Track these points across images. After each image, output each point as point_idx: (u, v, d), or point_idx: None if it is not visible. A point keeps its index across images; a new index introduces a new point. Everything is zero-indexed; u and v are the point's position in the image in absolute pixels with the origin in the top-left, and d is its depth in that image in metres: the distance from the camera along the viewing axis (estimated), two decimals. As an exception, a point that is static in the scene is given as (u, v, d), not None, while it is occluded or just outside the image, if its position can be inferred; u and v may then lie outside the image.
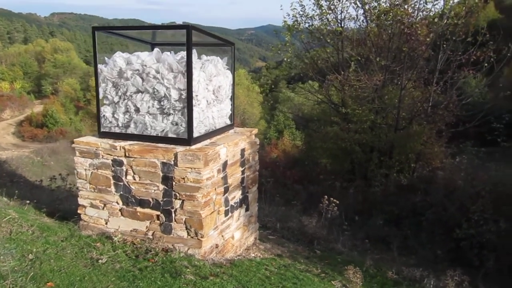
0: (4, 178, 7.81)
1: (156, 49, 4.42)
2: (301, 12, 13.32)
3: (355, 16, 12.75)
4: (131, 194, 4.35)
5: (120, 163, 4.33)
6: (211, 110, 4.67)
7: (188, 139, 4.21)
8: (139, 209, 4.36)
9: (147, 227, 4.38)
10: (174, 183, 4.15)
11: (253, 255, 5.08)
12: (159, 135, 4.37)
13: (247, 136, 5.06)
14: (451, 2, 11.12)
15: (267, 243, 5.77)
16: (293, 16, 13.20)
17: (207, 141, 4.51)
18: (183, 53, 4.34)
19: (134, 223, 4.43)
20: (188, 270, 3.78)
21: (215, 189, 4.36)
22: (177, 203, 4.20)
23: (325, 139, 12.73)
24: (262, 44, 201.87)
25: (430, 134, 11.34)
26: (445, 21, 11.03)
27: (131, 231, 4.45)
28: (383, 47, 12.00)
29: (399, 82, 12.31)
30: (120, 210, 4.45)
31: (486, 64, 11.40)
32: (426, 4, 11.34)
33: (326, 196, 6.61)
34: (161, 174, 4.19)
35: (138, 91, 4.38)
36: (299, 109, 16.94)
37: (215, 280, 3.64)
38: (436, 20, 11.14)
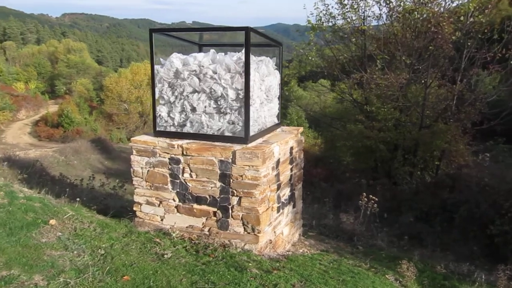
0: (45, 177, 8.00)
1: (212, 50, 4.54)
2: (324, 11, 13.41)
3: (379, 15, 12.83)
4: (188, 191, 4.48)
5: (177, 161, 4.46)
6: (263, 109, 4.78)
7: (245, 138, 4.32)
8: (195, 206, 4.49)
9: (203, 223, 4.51)
10: (231, 180, 4.27)
11: (300, 250, 5.18)
12: (215, 133, 4.49)
13: (294, 135, 5.17)
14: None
15: (309, 239, 5.88)
16: (316, 16, 13.30)
17: (260, 140, 4.62)
18: (238, 54, 4.46)
19: (190, 219, 4.56)
20: (250, 264, 3.90)
21: (269, 186, 4.47)
22: (234, 200, 4.32)
23: (350, 138, 12.80)
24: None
25: (456, 132, 11.35)
26: (471, 19, 11.05)
27: (187, 227, 4.57)
28: (408, 46, 12.02)
29: (423, 81, 12.33)
30: (176, 207, 4.58)
31: (511, 62, 11.38)
32: (452, 3, 11.36)
33: (364, 194, 6.69)
34: (218, 172, 4.31)
35: (194, 91, 4.50)
36: (321, 107, 16.98)
37: (279, 274, 3.75)
38: (462, 18, 11.14)
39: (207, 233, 4.49)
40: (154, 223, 4.72)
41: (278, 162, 4.63)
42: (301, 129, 5.48)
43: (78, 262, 3.52)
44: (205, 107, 4.48)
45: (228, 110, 4.41)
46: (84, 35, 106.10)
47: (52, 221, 4.22)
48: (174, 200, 4.58)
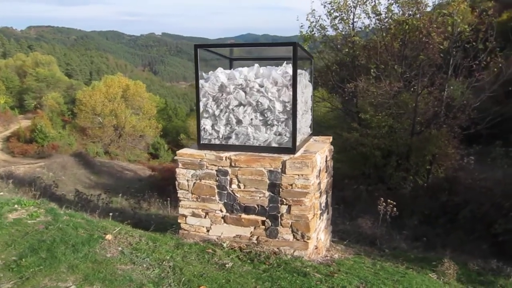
0: (57, 193, 7.92)
1: (256, 65, 4.72)
2: (314, 23, 13.81)
3: (368, 25, 13.31)
4: (236, 201, 4.60)
5: (225, 173, 4.58)
6: (302, 120, 4.97)
7: (292, 148, 4.50)
8: (243, 215, 4.61)
9: (251, 232, 4.63)
10: (281, 189, 4.42)
11: (336, 255, 5.36)
12: (261, 145, 4.64)
13: (328, 144, 5.38)
14: (462, 8, 11.66)
15: (338, 244, 6.07)
16: (309, 27, 13.70)
17: (302, 150, 4.80)
18: (282, 68, 4.66)
19: (238, 229, 4.67)
20: (308, 270, 4.06)
21: (314, 194, 4.65)
22: (283, 208, 4.47)
23: (345, 145, 13.14)
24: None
25: (448, 137, 11.86)
26: (458, 29, 11.64)
27: (234, 237, 4.69)
28: (397, 55, 12.52)
29: (412, 89, 12.85)
30: (223, 217, 4.70)
31: (495, 70, 12.03)
32: (440, 15, 11.88)
33: (382, 199, 6.96)
34: (267, 182, 4.46)
35: (240, 104, 4.65)
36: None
37: (340, 277, 3.93)
38: (449, 28, 11.72)
39: (255, 241, 4.61)
40: (199, 234, 4.81)
41: (319, 170, 4.83)
42: (330, 138, 5.70)
43: (151, 275, 3.60)
44: (251, 119, 4.63)
45: (275, 122, 4.58)
46: (51, 48, 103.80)
47: (108, 236, 4.27)
48: (221, 211, 4.68)
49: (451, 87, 12.68)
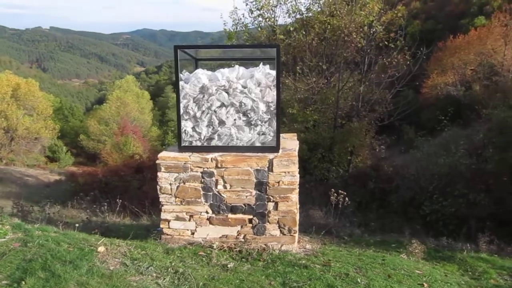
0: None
1: (236, 66, 4.76)
2: (237, 21, 14.01)
3: (291, 23, 13.86)
4: (222, 202, 4.63)
5: (211, 174, 4.59)
6: (279, 119, 5.13)
7: (276, 147, 4.65)
8: (230, 215, 4.66)
9: (238, 231, 4.70)
10: (268, 187, 4.56)
11: (308, 246, 5.62)
12: (245, 145, 4.71)
13: (296, 141, 5.62)
14: (376, 10, 12.71)
15: (303, 235, 6.36)
16: (233, 25, 13.87)
17: (280, 148, 4.97)
18: (260, 69, 4.76)
19: (224, 229, 4.71)
20: (303, 262, 4.26)
21: (296, 189, 4.86)
22: (270, 205, 4.61)
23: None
24: (139, 49, 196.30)
25: (369, 129, 12.87)
26: (374, 29, 12.66)
27: (220, 237, 4.72)
28: (318, 52, 13.24)
29: (332, 84, 13.69)
30: (208, 219, 4.69)
31: (405, 67, 13.30)
32: (359, 16, 12.81)
33: (333, 190, 7.39)
34: (254, 181, 4.57)
35: (222, 105, 4.67)
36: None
37: (337, 265, 4.19)
38: (365, 28, 12.71)
39: (243, 240, 4.69)
40: (184, 237, 4.75)
41: (297, 166, 5.03)
42: (295, 135, 5.95)
43: (165, 283, 3.52)
44: (235, 120, 4.68)
45: (259, 122, 4.67)
46: None
47: (101, 249, 4.04)
48: (207, 212, 4.67)
49: (366, 83, 13.75)
